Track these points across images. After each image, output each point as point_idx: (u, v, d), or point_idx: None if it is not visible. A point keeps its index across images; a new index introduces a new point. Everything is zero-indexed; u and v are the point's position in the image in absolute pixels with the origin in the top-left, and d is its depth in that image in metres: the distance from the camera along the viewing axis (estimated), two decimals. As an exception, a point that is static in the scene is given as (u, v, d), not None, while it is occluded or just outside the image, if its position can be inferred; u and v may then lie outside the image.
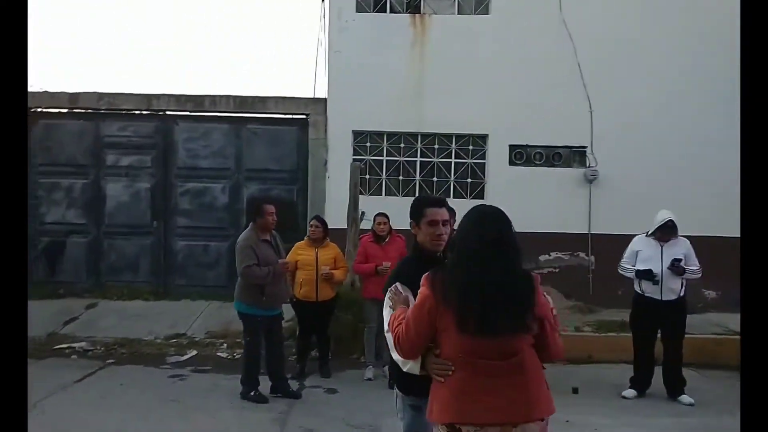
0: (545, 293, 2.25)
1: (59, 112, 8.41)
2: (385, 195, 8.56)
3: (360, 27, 8.41)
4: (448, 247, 2.44)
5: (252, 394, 4.90)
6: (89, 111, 8.41)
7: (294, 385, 5.37)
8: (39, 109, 8.28)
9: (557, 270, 8.60)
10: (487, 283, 2.06)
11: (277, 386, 5.04)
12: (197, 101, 8.45)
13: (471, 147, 8.69)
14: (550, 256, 8.63)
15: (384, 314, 2.37)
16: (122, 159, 8.46)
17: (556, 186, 8.42)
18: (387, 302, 2.37)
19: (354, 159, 8.45)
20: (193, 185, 8.52)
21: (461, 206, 8.84)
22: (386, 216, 5.98)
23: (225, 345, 6.72)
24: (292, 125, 8.59)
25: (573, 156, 8.64)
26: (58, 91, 8.36)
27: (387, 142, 8.64)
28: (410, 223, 2.56)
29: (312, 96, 8.59)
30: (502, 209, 2.26)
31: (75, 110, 8.40)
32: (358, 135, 8.58)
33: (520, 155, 8.61)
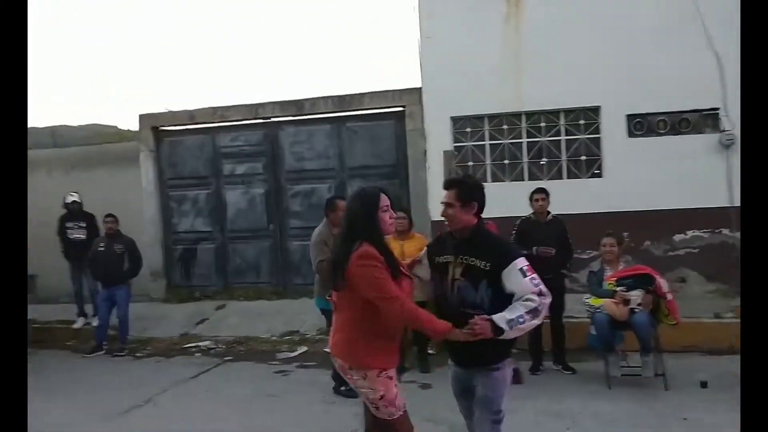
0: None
1: (181, 129, 9.37)
2: (491, 181, 8.36)
3: (450, 9, 8.29)
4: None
5: (342, 388, 5.09)
6: (206, 126, 9.25)
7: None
8: (163, 128, 9.31)
9: (696, 250, 7.78)
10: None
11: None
12: (299, 105, 8.93)
13: (582, 121, 8.16)
14: (686, 235, 7.83)
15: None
16: (237, 168, 9.22)
17: (686, 156, 7.59)
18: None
19: (455, 146, 8.38)
20: (301, 187, 9.02)
21: (578, 186, 8.40)
22: None
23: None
24: (389, 119, 8.72)
25: (703, 120, 7.73)
26: (179, 109, 9.33)
27: (488, 125, 8.42)
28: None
29: (407, 87, 8.62)
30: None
31: (194, 126, 9.29)
32: (457, 121, 8.47)
33: (640, 125, 7.90)
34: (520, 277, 2.58)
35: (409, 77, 9.02)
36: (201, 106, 9.25)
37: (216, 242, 9.37)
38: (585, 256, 7.38)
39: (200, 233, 9.40)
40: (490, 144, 8.42)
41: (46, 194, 9.21)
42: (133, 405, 5.19)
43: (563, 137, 8.21)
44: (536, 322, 2.56)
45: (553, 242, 5.59)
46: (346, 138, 8.88)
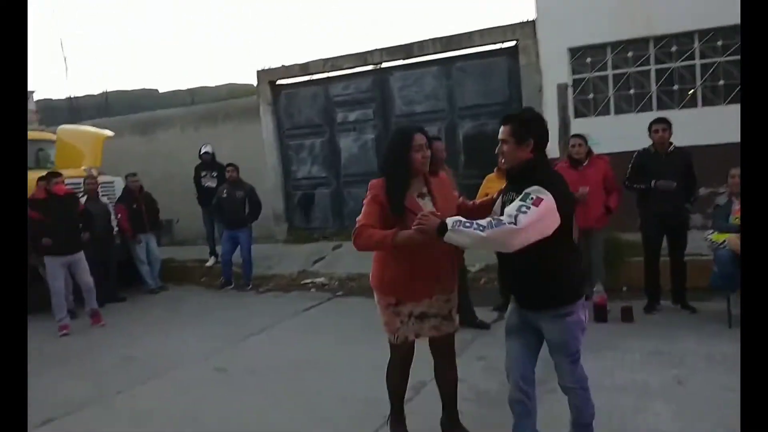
0: None
1: (296, 82, 9.73)
2: (615, 113, 7.80)
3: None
4: None
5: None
6: (318, 76, 9.52)
7: (491, 316, 5.46)
8: (279, 81, 9.73)
9: None
10: None
11: (464, 318, 5.20)
12: (407, 49, 8.85)
13: (720, 42, 7.26)
14: None
15: None
16: (349, 115, 9.42)
17: None
18: None
19: (574, 79, 7.90)
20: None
21: (716, 113, 7.64)
22: (582, 137, 5.55)
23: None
24: (500, 55, 8.37)
25: None
26: (292, 63, 9.67)
27: (611, 53, 7.79)
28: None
29: (519, 21, 8.18)
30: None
31: (307, 77, 9.59)
32: (575, 52, 7.93)
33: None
34: (517, 200, 2.39)
35: (519, 10, 8.49)
36: (313, 58, 9.51)
37: (331, 187, 9.75)
38: (723, 190, 6.69)
39: (317, 179, 9.82)
40: (614, 74, 7.81)
41: (180, 148, 10.11)
42: (250, 333, 5.69)
43: (698, 61, 7.39)
44: (482, 234, 2.32)
45: (674, 175, 5.12)
46: (455, 78, 8.69)
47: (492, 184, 5.78)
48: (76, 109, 14.17)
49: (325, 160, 9.71)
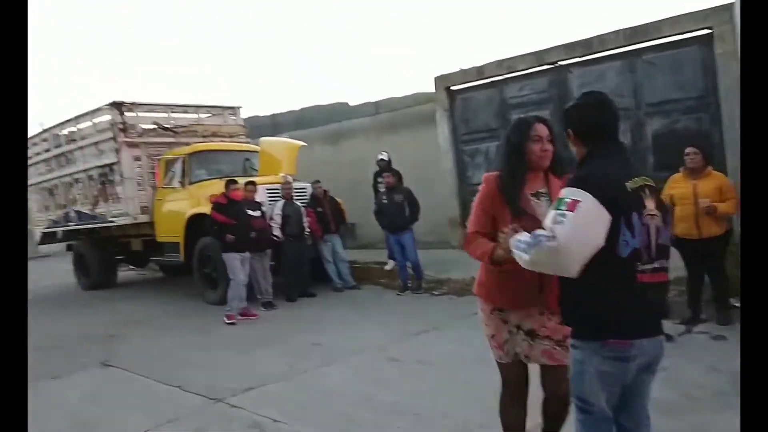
0: None
1: (471, 86, 10.03)
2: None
3: None
4: None
5: None
6: (493, 79, 9.70)
7: (679, 329, 5.24)
8: (454, 87, 10.11)
9: None
10: None
11: None
12: (586, 44, 8.66)
13: None
14: None
15: None
16: (526, 117, 9.45)
17: None
18: None
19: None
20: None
21: None
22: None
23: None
24: (692, 44, 7.80)
25: None
26: (468, 67, 9.99)
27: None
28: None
29: (712, 6, 7.55)
30: None
31: (482, 81, 9.83)
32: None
33: None
34: (552, 209, 2.05)
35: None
36: (488, 61, 9.73)
37: (508, 192, 9.82)
38: None
39: (494, 184, 9.97)
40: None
41: (364, 156, 10.99)
42: (422, 330, 6.13)
43: None
44: (526, 258, 2.05)
45: None
46: (641, 72, 8.28)
47: (677, 185, 5.53)
48: (276, 124, 16.06)
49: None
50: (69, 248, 12.36)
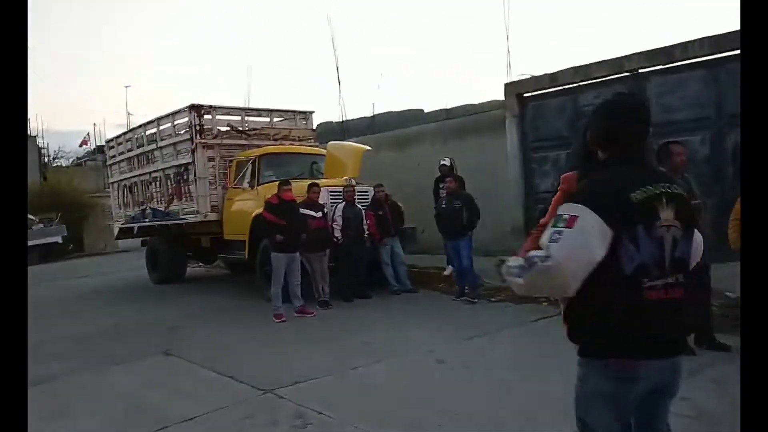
0: None
1: (544, 93, 9.86)
2: None
3: None
4: None
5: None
6: (568, 86, 9.50)
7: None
8: (527, 93, 9.98)
9: None
10: None
11: (701, 338, 4.85)
12: (667, 52, 8.33)
13: None
14: None
15: None
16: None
17: None
18: None
19: None
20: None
21: None
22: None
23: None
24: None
25: None
26: (541, 74, 9.84)
27: None
28: None
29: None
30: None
31: (556, 88, 9.65)
32: None
33: None
34: (550, 226, 1.93)
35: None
36: (563, 67, 9.55)
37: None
38: None
39: (559, 193, 9.74)
40: None
41: (429, 161, 10.99)
42: (474, 335, 6.08)
43: None
44: (521, 282, 1.92)
45: None
46: (724, 82, 7.88)
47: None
48: (346, 129, 16.33)
49: (571, 174, 9.60)
50: (143, 244, 13.07)
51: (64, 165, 34.31)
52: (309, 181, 8.40)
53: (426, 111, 24.77)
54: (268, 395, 4.64)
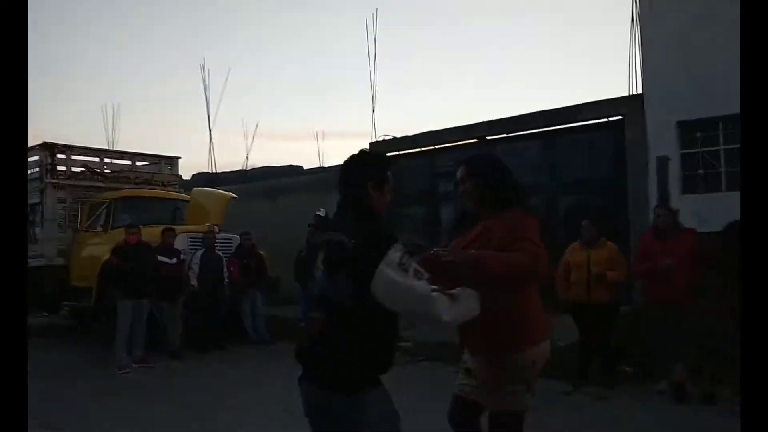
0: None
1: (403, 154, 10.45)
2: (726, 190, 7.46)
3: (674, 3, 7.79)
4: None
5: None
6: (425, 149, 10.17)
7: (566, 388, 5.48)
8: (388, 154, 10.52)
9: None
10: None
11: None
12: (510, 122, 9.24)
13: None
14: None
15: None
16: (450, 186, 9.89)
17: None
18: None
19: (683, 153, 7.76)
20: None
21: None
22: (667, 208, 5.54)
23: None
24: (606, 129, 8.46)
25: None
26: (402, 136, 10.45)
27: (723, 128, 7.56)
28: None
29: (627, 94, 8.28)
30: None
31: (414, 150, 10.29)
32: (684, 126, 7.80)
33: None
34: None
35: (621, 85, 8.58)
36: (421, 131, 10.23)
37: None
38: None
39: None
40: (725, 149, 7.54)
41: (299, 213, 11.07)
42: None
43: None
44: None
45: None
46: (559, 152, 8.86)
47: (574, 253, 5.87)
48: (220, 180, 16.00)
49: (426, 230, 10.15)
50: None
51: None
52: (163, 227, 8.17)
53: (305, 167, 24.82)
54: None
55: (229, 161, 53.45)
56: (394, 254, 2.02)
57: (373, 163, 2.34)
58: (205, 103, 16.42)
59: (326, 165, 14.43)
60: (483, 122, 9.61)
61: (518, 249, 2.37)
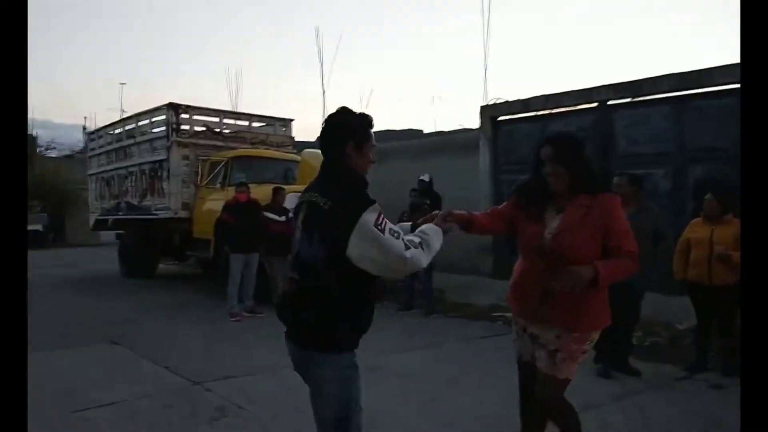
0: None
1: (515, 118, 10.02)
2: None
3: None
4: None
5: (599, 366, 5.04)
6: (538, 114, 9.67)
7: (678, 374, 5.17)
8: (500, 118, 10.14)
9: None
10: None
11: (616, 362, 5.06)
12: (635, 87, 8.51)
13: None
14: None
15: None
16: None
17: None
18: None
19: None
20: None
21: None
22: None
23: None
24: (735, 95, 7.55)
25: None
26: (514, 99, 10.01)
27: None
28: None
29: None
30: None
31: (527, 114, 9.82)
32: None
33: None
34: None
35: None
36: (534, 95, 9.72)
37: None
38: None
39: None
40: None
41: (404, 176, 11.11)
42: (415, 347, 6.18)
43: None
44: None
45: None
46: (687, 119, 8.05)
47: (695, 230, 5.40)
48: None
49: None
50: (118, 237, 13.09)
51: (54, 156, 34.22)
52: (275, 185, 8.49)
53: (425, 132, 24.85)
54: (196, 387, 4.71)
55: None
56: (369, 216, 2.06)
57: (353, 122, 2.30)
58: (319, 66, 16.72)
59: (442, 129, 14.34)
60: (602, 86, 8.93)
61: (621, 247, 2.56)
